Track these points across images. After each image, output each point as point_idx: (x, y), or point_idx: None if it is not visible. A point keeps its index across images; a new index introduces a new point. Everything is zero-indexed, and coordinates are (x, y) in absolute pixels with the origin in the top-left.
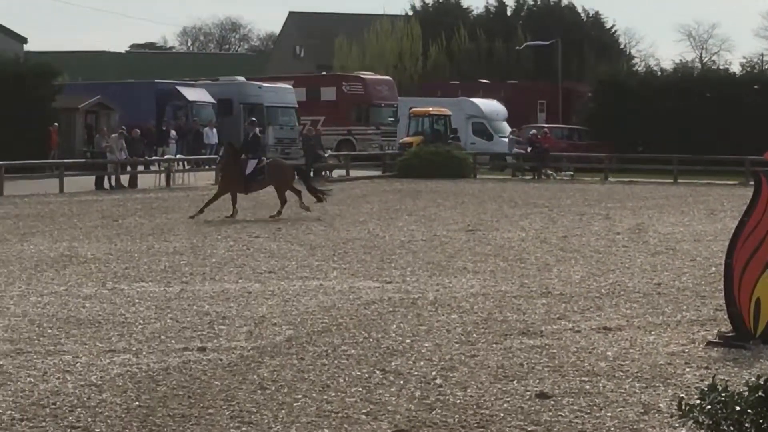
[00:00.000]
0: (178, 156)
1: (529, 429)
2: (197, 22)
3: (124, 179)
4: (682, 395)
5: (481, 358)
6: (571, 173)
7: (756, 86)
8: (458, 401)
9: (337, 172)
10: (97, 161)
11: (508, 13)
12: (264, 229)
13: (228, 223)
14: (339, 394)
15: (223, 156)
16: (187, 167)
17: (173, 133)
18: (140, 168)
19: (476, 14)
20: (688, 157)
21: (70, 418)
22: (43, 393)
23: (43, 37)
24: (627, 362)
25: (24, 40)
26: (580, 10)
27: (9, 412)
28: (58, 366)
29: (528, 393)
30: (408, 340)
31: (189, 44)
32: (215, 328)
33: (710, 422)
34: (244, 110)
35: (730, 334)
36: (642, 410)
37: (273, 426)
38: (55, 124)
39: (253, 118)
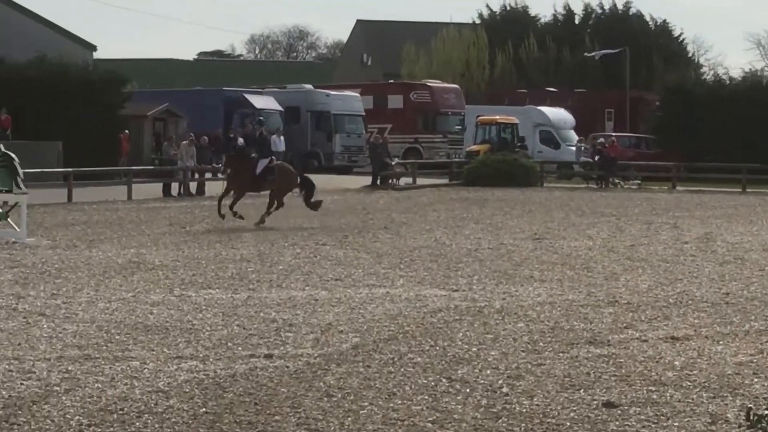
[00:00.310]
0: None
1: None
2: (265, 30)
3: (192, 186)
4: (750, 405)
5: (548, 367)
6: (639, 182)
7: None
8: (524, 410)
9: (403, 180)
10: (165, 168)
11: (576, 21)
12: (331, 237)
13: (295, 230)
14: (405, 402)
15: (225, 164)
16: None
17: (241, 140)
18: (208, 175)
19: (544, 22)
20: (758, 167)
21: (138, 423)
22: (110, 399)
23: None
24: (694, 372)
25: (93, 48)
26: (647, 18)
27: (77, 417)
28: (126, 372)
29: (595, 402)
30: (474, 349)
31: (257, 52)
32: (282, 335)
33: None
34: (311, 118)
35: None
36: (709, 420)
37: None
38: (126, 131)
39: (261, 118)
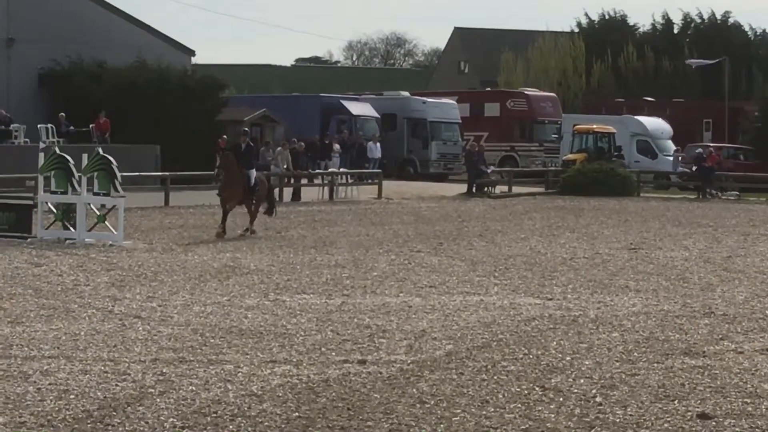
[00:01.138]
0: (341, 170)
1: None
2: (362, 36)
3: (288, 192)
4: None
5: (642, 377)
6: (737, 193)
7: None
8: (618, 420)
9: (499, 188)
10: (264, 172)
11: (675, 31)
12: (425, 244)
13: (390, 237)
14: (498, 410)
15: (221, 166)
16: (350, 181)
17: (337, 146)
18: (304, 181)
19: (642, 31)
20: None
21: (231, 427)
22: (204, 402)
23: (211, 50)
24: None
25: (192, 53)
26: (746, 28)
27: (171, 419)
28: (220, 375)
29: (689, 413)
30: (568, 358)
31: (354, 59)
32: (375, 341)
33: None
34: (407, 125)
35: None
36: None
37: None
38: (224, 136)
39: (246, 129)
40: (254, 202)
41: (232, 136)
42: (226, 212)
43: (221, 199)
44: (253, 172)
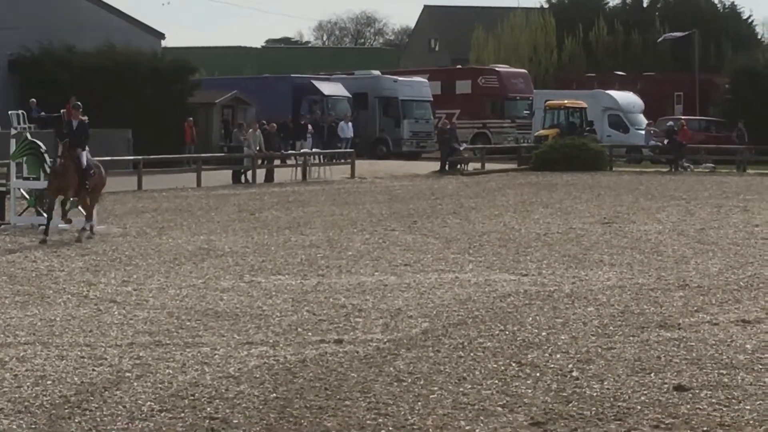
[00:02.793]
0: (314, 150)
1: (666, 422)
2: (332, 16)
3: (261, 173)
4: None
5: (618, 351)
6: (713, 165)
7: None
8: (595, 394)
9: (472, 165)
10: (234, 155)
11: (645, 5)
12: (399, 223)
13: (364, 216)
14: (475, 386)
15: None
16: (323, 161)
17: (309, 127)
18: (277, 162)
19: (612, 6)
20: None
21: (209, 409)
22: (181, 384)
23: (180, 33)
24: (766, 355)
25: (162, 36)
26: (716, 1)
27: (149, 403)
28: (197, 358)
29: (665, 386)
30: (544, 333)
31: (324, 39)
32: (351, 320)
33: None
34: (379, 104)
35: None
36: None
37: (409, 418)
38: (190, 118)
39: (78, 103)
40: (88, 188)
41: (203, 119)
42: (66, 200)
43: (52, 189)
44: (85, 154)
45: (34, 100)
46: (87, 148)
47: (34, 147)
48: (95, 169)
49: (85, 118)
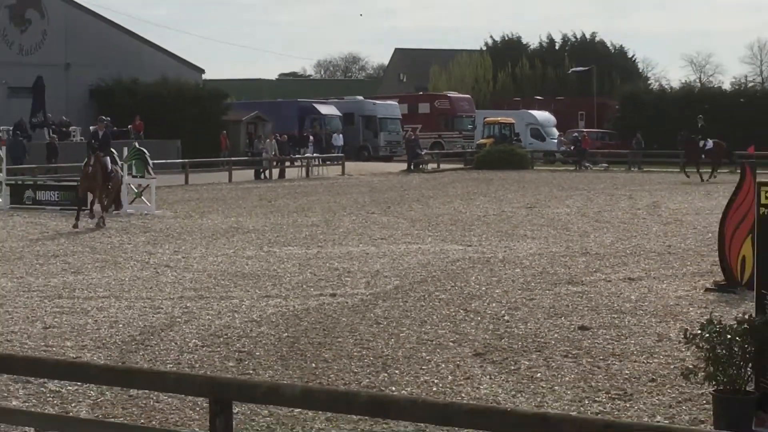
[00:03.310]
0: (314, 155)
1: (573, 352)
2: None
3: (275, 172)
4: (687, 327)
5: (537, 301)
6: (606, 165)
7: (742, 99)
8: (520, 332)
9: (430, 166)
10: (255, 158)
11: (557, 47)
12: (378, 208)
13: (351, 203)
14: (433, 327)
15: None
16: (321, 163)
17: (311, 138)
18: (287, 164)
19: (533, 48)
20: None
21: (238, 345)
22: (218, 327)
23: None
24: (646, 303)
25: (202, 71)
26: (608, 44)
27: (193, 341)
28: (229, 307)
29: (572, 326)
30: (483, 288)
31: (322, 73)
32: (342, 279)
33: (708, 347)
34: (362, 121)
35: (723, 283)
36: (657, 338)
37: (385, 350)
38: (224, 131)
39: (103, 117)
40: (110, 188)
41: (233, 132)
42: (92, 200)
43: (84, 187)
44: (108, 159)
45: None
46: (113, 153)
47: (140, 153)
48: (114, 172)
49: (107, 130)
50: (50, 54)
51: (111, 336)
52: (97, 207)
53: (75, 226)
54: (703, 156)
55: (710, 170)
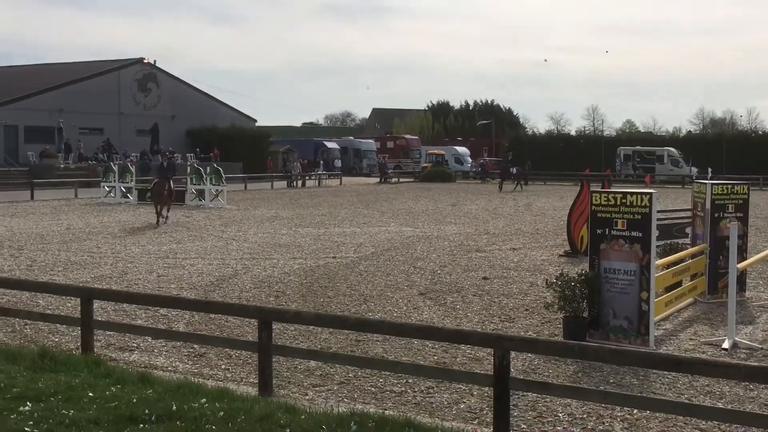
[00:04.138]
0: (323, 172)
1: (479, 293)
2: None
3: (300, 183)
4: (547, 278)
5: (457, 261)
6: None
7: (582, 141)
8: (447, 280)
9: (394, 180)
10: (287, 174)
11: (471, 108)
12: (361, 204)
13: (345, 202)
14: (394, 277)
15: (157, 181)
16: (328, 177)
17: (321, 162)
18: (307, 178)
19: (456, 108)
20: (555, 173)
21: (275, 287)
22: (264, 276)
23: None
24: (523, 263)
25: (255, 120)
26: (502, 106)
27: (248, 284)
28: (270, 264)
29: (478, 277)
30: (425, 253)
31: (328, 122)
32: (340, 248)
33: (560, 290)
34: (352, 152)
35: (569, 252)
36: (529, 285)
37: (365, 291)
38: (269, 158)
39: (167, 152)
40: (172, 200)
41: (274, 158)
42: (161, 210)
43: (156, 201)
44: (171, 181)
45: (198, 149)
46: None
47: (217, 170)
48: (174, 191)
49: (171, 161)
50: (162, 109)
51: (198, 281)
52: (164, 212)
53: (157, 223)
54: (511, 176)
55: (515, 185)
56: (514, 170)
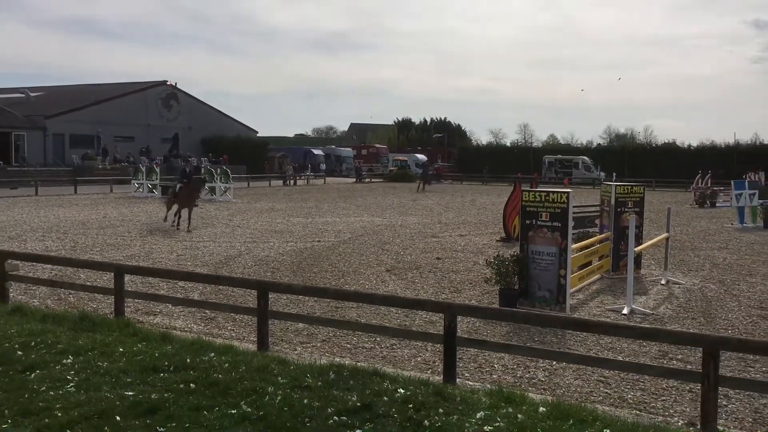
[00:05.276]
0: (311, 173)
1: (433, 270)
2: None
3: (292, 182)
4: (487, 258)
5: (416, 245)
6: (450, 181)
7: (515, 150)
8: (408, 260)
9: (367, 179)
10: (282, 175)
11: (428, 123)
12: (341, 199)
13: (329, 197)
14: (368, 257)
15: (181, 185)
16: (314, 177)
17: (309, 166)
18: (298, 178)
19: (417, 123)
20: (494, 176)
21: (272, 264)
22: (263, 257)
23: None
24: (469, 247)
25: (256, 132)
26: (453, 122)
27: (250, 263)
28: (268, 247)
29: (433, 257)
30: (392, 239)
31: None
32: (323, 233)
33: (497, 268)
34: (334, 158)
35: (505, 238)
36: (473, 263)
37: (343, 268)
38: (267, 162)
39: (189, 160)
40: (196, 204)
41: (271, 163)
42: (178, 211)
43: (180, 203)
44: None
45: (210, 154)
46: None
47: (226, 172)
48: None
49: (192, 167)
50: (181, 122)
51: (210, 259)
52: (184, 214)
53: (176, 224)
54: (429, 177)
55: (421, 185)
56: (431, 172)
